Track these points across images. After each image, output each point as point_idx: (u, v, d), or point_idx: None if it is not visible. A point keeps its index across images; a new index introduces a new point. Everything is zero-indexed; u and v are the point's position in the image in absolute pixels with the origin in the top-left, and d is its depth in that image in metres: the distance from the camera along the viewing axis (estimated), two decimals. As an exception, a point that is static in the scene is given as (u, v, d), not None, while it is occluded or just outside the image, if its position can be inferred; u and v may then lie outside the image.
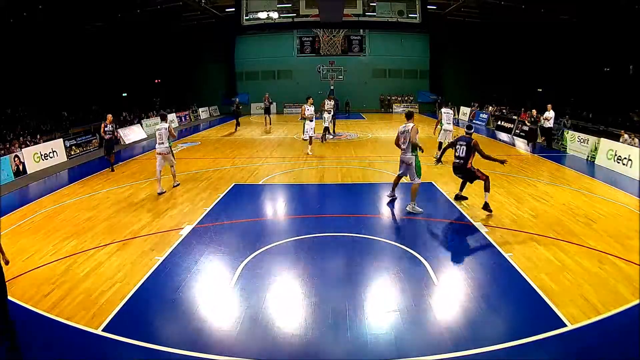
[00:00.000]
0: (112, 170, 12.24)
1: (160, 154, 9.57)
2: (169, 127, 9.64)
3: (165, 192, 9.57)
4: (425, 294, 5.00)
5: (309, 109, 14.60)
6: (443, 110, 13.13)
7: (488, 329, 4.31)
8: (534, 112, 15.92)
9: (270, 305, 4.80)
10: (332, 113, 16.13)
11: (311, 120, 14.35)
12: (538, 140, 15.77)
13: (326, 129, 16.27)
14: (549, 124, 14.88)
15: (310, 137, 14.36)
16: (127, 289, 5.14)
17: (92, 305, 4.79)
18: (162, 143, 9.57)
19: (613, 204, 8.44)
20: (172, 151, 9.81)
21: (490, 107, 24.84)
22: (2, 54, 16.88)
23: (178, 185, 10.12)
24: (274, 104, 32.04)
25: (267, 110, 23.06)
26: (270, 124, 22.80)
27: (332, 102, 16.26)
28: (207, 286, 5.33)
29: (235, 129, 20.93)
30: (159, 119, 10.19)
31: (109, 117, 12.31)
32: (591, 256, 5.92)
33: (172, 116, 24.99)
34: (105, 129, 12.10)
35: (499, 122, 21.78)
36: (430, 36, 31.64)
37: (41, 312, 4.69)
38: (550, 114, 14.66)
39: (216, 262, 6.02)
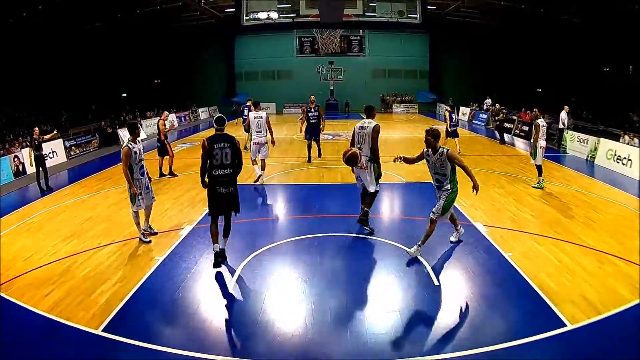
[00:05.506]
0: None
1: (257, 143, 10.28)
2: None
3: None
4: (425, 294, 5.00)
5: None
6: (541, 121, 9.52)
7: (488, 329, 4.31)
8: None
9: (270, 305, 4.80)
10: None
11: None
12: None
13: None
14: (563, 125, 14.62)
15: None
16: (127, 289, 5.14)
17: (92, 305, 4.78)
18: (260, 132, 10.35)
19: (613, 204, 8.44)
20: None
21: (490, 107, 24.81)
22: (2, 54, 16.90)
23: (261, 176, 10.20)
24: (273, 104, 32.11)
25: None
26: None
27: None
28: (207, 286, 5.33)
29: None
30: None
31: (36, 130, 10.41)
32: (591, 256, 5.91)
33: (172, 116, 25.04)
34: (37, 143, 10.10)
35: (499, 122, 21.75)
36: (430, 36, 31.66)
37: (41, 312, 4.69)
38: (564, 115, 14.46)
39: (216, 262, 6.00)
